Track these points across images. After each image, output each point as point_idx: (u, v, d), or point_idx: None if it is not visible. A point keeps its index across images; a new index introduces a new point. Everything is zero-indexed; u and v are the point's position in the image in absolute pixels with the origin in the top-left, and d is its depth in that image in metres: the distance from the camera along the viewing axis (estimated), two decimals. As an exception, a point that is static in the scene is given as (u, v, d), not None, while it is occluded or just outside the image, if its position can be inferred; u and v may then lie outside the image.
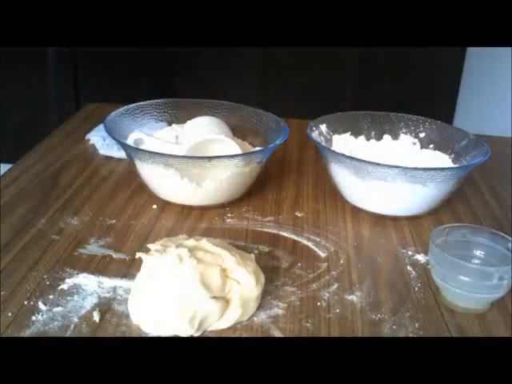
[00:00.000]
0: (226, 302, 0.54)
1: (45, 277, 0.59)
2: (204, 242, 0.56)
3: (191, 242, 0.56)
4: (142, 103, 0.84)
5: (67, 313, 0.54)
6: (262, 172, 0.77)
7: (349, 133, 0.85)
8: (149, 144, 0.76)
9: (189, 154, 0.73)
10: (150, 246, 0.56)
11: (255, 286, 0.55)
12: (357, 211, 0.76)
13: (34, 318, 0.53)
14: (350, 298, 0.58)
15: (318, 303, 0.57)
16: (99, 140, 0.91)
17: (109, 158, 0.88)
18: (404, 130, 0.86)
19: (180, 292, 0.52)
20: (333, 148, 0.80)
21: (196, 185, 0.71)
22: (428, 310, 0.57)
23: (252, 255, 0.59)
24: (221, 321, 0.53)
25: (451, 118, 1.68)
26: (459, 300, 0.57)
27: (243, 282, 0.54)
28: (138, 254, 0.55)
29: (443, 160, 0.81)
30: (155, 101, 0.85)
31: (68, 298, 0.56)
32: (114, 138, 0.73)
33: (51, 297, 0.56)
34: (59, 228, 0.68)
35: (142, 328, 0.52)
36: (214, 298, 0.53)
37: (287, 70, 1.68)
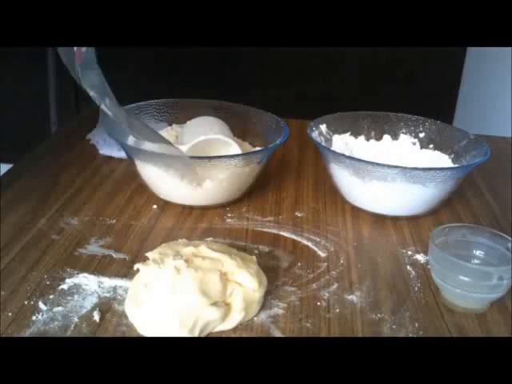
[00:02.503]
0: (227, 305, 0.53)
1: (45, 277, 0.59)
2: (203, 248, 0.56)
3: (190, 249, 0.56)
4: (142, 103, 0.84)
5: (67, 313, 0.54)
6: (261, 172, 0.77)
7: (349, 133, 0.85)
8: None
9: (189, 154, 0.73)
10: (148, 254, 0.56)
11: (258, 287, 0.55)
12: (357, 211, 0.76)
13: (34, 317, 0.53)
14: (349, 297, 0.58)
15: (318, 303, 0.57)
16: (99, 140, 0.91)
17: (109, 158, 0.88)
18: (404, 130, 0.86)
19: (179, 303, 0.51)
20: (333, 148, 0.80)
21: (196, 185, 0.71)
22: (428, 310, 0.57)
23: (254, 257, 0.59)
24: (223, 324, 0.53)
25: (451, 118, 1.68)
26: (459, 300, 0.57)
27: (245, 284, 0.54)
28: (136, 266, 0.55)
29: (443, 160, 0.81)
30: (155, 101, 0.85)
31: (68, 297, 0.56)
32: (114, 138, 0.73)
33: (51, 297, 0.56)
34: (59, 228, 0.68)
35: (140, 333, 0.52)
36: (215, 303, 0.52)
37: (287, 71, 1.68)
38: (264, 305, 0.56)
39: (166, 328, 0.51)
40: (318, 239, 0.69)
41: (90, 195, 0.76)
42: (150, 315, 0.52)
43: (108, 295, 0.56)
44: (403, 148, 0.84)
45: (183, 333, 0.51)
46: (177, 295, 0.52)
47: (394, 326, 0.55)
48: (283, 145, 0.75)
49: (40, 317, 0.53)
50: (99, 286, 0.58)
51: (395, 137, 0.86)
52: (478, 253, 0.60)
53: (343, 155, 0.73)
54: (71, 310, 0.54)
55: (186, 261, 0.54)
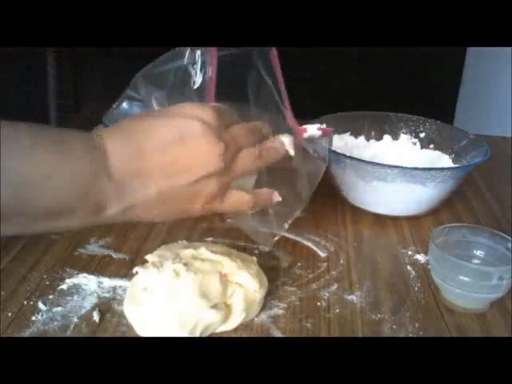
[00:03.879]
0: (228, 306, 0.53)
1: (45, 277, 0.59)
2: (203, 250, 0.56)
3: (189, 251, 0.56)
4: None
5: (67, 313, 0.54)
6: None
7: (349, 133, 0.85)
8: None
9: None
10: (148, 257, 0.56)
11: (258, 288, 0.54)
12: (357, 211, 0.76)
13: (33, 317, 0.53)
14: (349, 297, 0.58)
15: (318, 303, 0.57)
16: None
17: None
18: (404, 130, 0.86)
19: (179, 306, 0.51)
20: (333, 148, 0.80)
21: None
22: (428, 310, 0.57)
23: (254, 258, 0.59)
24: (224, 325, 0.53)
25: (451, 118, 1.68)
26: (459, 300, 0.57)
27: (246, 285, 0.54)
28: (136, 269, 0.55)
29: (443, 160, 0.81)
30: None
31: (68, 297, 0.56)
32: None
33: (51, 297, 0.56)
34: (59, 228, 0.68)
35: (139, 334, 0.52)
36: (215, 305, 0.52)
37: (287, 70, 1.69)
38: (264, 305, 0.56)
39: (166, 331, 0.51)
40: (318, 239, 0.69)
41: (90, 195, 0.76)
42: (149, 317, 0.52)
43: (108, 295, 0.56)
44: (403, 148, 0.84)
45: (183, 335, 0.51)
46: (176, 298, 0.51)
47: (394, 326, 0.54)
48: (283, 145, 0.75)
49: (40, 317, 0.53)
50: (99, 286, 0.58)
51: (395, 137, 0.86)
52: (478, 253, 0.60)
53: (343, 155, 0.73)
54: (71, 310, 0.54)
55: (186, 264, 0.53)
